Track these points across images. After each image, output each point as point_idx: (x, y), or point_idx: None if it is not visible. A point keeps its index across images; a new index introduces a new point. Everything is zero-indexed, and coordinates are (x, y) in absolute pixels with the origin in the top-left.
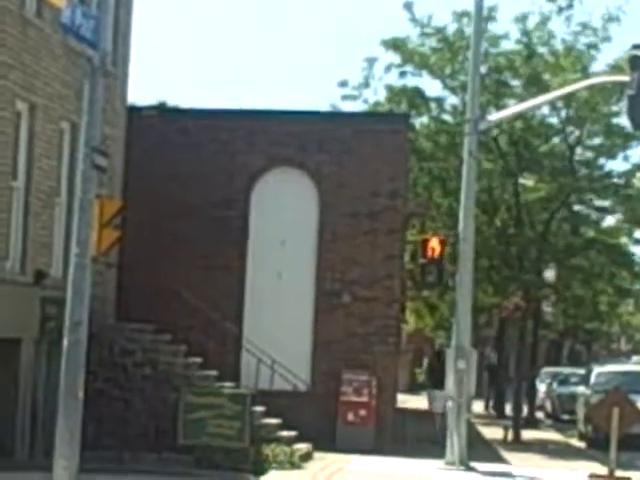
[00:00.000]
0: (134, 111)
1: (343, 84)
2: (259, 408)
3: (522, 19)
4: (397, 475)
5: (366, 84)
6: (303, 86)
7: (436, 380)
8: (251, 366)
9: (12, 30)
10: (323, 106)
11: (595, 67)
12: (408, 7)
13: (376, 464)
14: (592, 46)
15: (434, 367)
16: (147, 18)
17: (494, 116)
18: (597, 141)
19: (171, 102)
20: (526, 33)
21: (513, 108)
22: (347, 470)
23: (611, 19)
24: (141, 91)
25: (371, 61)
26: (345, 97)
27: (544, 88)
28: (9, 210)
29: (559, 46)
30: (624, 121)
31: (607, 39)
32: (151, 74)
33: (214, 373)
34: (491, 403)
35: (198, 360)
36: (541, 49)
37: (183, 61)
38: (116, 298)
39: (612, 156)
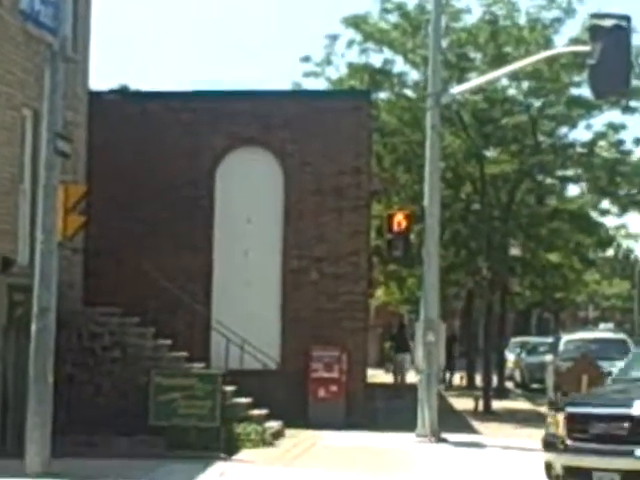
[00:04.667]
0: (96, 96)
1: (306, 59)
2: (230, 388)
3: None
4: (369, 449)
5: (328, 61)
6: (267, 63)
7: (397, 347)
8: (221, 346)
9: None
10: (286, 84)
11: (558, 41)
12: None
13: (348, 439)
14: (556, 20)
15: (396, 334)
16: (107, 2)
17: (456, 89)
18: (558, 110)
19: (133, 86)
20: (489, 7)
21: (475, 81)
22: (319, 446)
23: None
24: (103, 76)
25: (333, 38)
26: (307, 74)
27: (507, 61)
28: None
29: (523, 19)
30: (585, 91)
31: (571, 12)
32: (113, 58)
33: (184, 354)
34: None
35: (167, 342)
36: (504, 22)
37: (144, 44)
38: (83, 282)
39: (574, 125)
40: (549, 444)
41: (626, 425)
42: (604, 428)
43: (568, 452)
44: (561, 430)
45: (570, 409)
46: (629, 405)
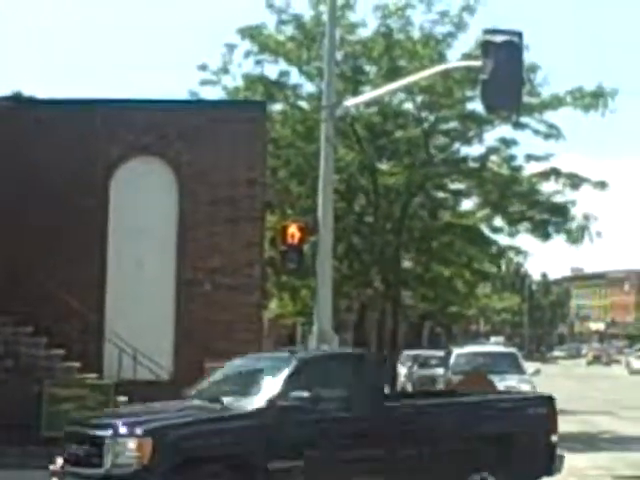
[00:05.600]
0: None
1: (203, 68)
2: (122, 398)
3: (382, 8)
4: None
5: (225, 70)
6: (164, 71)
7: None
8: (114, 356)
9: None
10: (183, 92)
11: (451, 56)
12: None
13: None
14: (449, 35)
15: (286, 345)
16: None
17: (350, 102)
18: (452, 125)
19: (27, 92)
20: (385, 19)
21: (369, 94)
22: None
23: (468, 9)
24: None
25: (230, 47)
26: (204, 82)
27: (401, 75)
28: None
29: (417, 33)
30: (478, 106)
31: (463, 27)
32: (6, 65)
33: (77, 365)
34: None
35: (61, 352)
36: (398, 35)
37: (40, 51)
38: None
39: (467, 141)
40: None
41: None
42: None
43: None
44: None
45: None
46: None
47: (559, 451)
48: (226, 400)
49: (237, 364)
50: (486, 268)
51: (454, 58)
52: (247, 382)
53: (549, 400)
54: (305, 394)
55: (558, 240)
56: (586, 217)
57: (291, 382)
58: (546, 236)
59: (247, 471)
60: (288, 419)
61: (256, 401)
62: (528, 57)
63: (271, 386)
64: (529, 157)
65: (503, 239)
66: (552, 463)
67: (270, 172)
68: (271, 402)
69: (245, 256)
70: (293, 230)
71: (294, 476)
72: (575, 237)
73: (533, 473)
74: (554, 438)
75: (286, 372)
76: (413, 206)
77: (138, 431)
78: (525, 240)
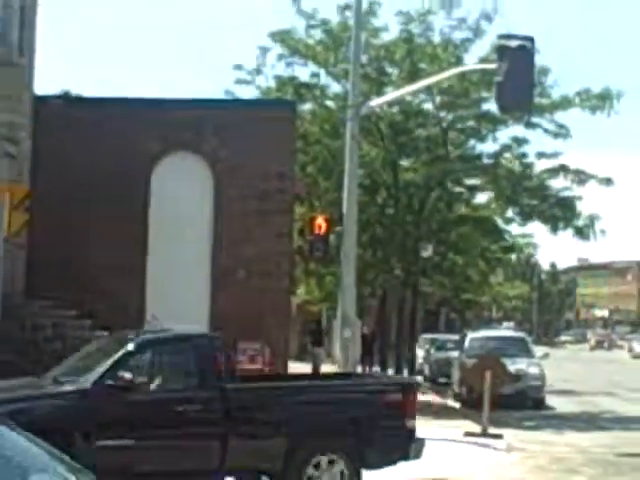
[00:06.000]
0: (40, 100)
1: (238, 67)
2: None
3: (404, 14)
4: None
5: (258, 71)
6: (202, 70)
7: (314, 342)
8: None
9: None
10: (219, 91)
11: (468, 59)
12: (295, 0)
13: None
14: (467, 40)
15: (313, 330)
16: (53, 12)
17: (374, 102)
18: (468, 124)
19: (75, 91)
20: (407, 25)
21: (392, 94)
22: None
23: (486, 17)
24: (47, 81)
25: (263, 50)
26: (239, 81)
27: (421, 77)
28: None
29: (436, 38)
30: (493, 106)
31: (480, 33)
32: (57, 64)
33: None
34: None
35: (104, 334)
36: (419, 40)
37: (88, 52)
38: (26, 276)
39: (482, 139)
40: None
41: None
42: None
43: None
44: None
45: None
46: None
47: (418, 435)
48: (65, 379)
49: (93, 344)
50: (498, 257)
51: (471, 61)
52: (88, 362)
53: (407, 386)
54: (129, 375)
55: (567, 233)
56: (592, 217)
57: (122, 363)
58: (555, 230)
59: (71, 448)
60: (116, 399)
61: (84, 380)
62: (539, 60)
63: (102, 366)
64: (539, 154)
65: (516, 228)
66: (409, 448)
67: (299, 167)
68: (97, 382)
69: (275, 245)
70: (320, 221)
71: (123, 455)
72: (582, 232)
73: (389, 457)
74: (411, 423)
75: (120, 353)
76: (431, 200)
77: None
78: (536, 230)
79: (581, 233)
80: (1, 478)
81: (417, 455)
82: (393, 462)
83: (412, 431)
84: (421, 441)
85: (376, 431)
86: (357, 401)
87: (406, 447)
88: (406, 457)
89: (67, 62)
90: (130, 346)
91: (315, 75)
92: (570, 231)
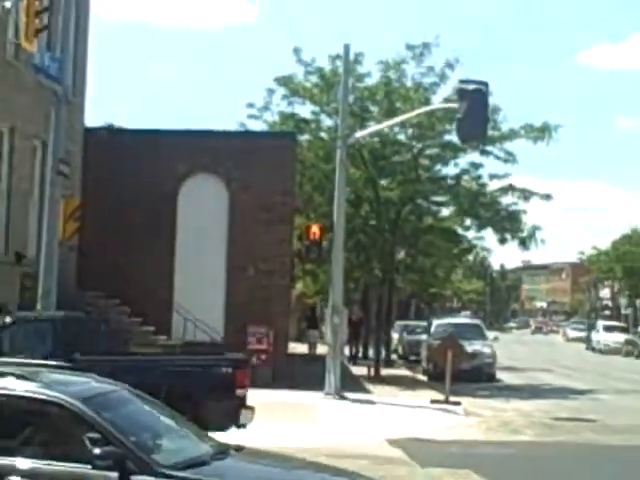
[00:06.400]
0: (89, 130)
1: (250, 105)
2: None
3: (384, 63)
4: (289, 403)
5: (266, 108)
6: (220, 106)
7: (309, 325)
8: (179, 323)
9: None
10: (234, 124)
11: (435, 99)
12: (296, 52)
13: (273, 395)
14: (434, 84)
15: (309, 317)
16: (100, 59)
17: (358, 134)
18: (434, 151)
19: (118, 123)
20: (385, 72)
21: (373, 128)
22: (251, 400)
23: (449, 65)
24: (94, 114)
25: (270, 91)
26: (250, 116)
27: (397, 114)
28: None
29: (409, 82)
30: (454, 138)
31: (444, 79)
32: (102, 101)
33: (151, 329)
34: (355, 352)
35: (139, 319)
36: (395, 84)
37: (128, 90)
38: (77, 272)
39: (445, 163)
40: None
41: None
42: None
43: None
44: None
45: None
46: None
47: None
48: None
49: None
50: (458, 259)
51: (437, 101)
52: None
53: (237, 361)
54: None
55: (513, 243)
56: (534, 227)
57: None
58: (503, 242)
59: None
60: None
61: None
62: (492, 100)
63: None
64: (492, 176)
65: (471, 234)
66: (239, 414)
67: (298, 185)
68: None
69: (278, 249)
70: (314, 229)
71: None
72: (525, 244)
73: (220, 424)
74: (241, 392)
75: None
76: (404, 213)
77: None
78: (488, 237)
79: (524, 244)
80: (137, 438)
81: (247, 420)
82: (225, 427)
83: (242, 399)
84: (252, 409)
85: (210, 400)
86: (192, 373)
87: (236, 414)
88: (237, 422)
89: (111, 99)
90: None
91: (314, 113)
92: (515, 242)
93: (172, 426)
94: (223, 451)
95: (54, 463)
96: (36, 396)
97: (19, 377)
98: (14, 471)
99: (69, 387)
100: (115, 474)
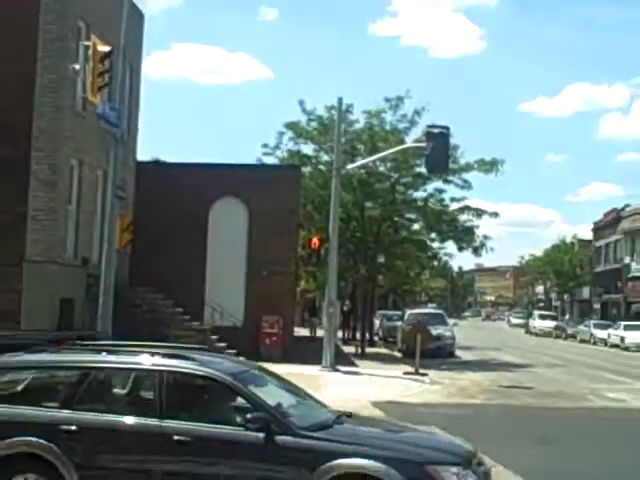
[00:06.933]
0: (140, 163)
1: (265, 145)
2: (214, 337)
3: (368, 112)
4: (294, 373)
5: (277, 147)
6: (243, 147)
7: (311, 314)
8: (209, 312)
9: (68, 118)
10: (253, 159)
11: (408, 140)
12: (301, 103)
13: (282, 368)
14: (406, 128)
15: (310, 307)
16: (149, 109)
17: (349, 166)
18: (408, 180)
19: (162, 158)
20: (369, 119)
21: (360, 162)
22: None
23: (418, 113)
24: (145, 151)
25: (280, 134)
26: (265, 154)
27: (378, 151)
28: (67, 223)
29: (388, 127)
30: (423, 169)
31: (415, 124)
32: (151, 140)
33: (188, 317)
34: (346, 335)
35: (180, 310)
36: (377, 128)
37: (171, 130)
38: (130, 273)
39: (416, 189)
40: None
41: None
42: None
43: None
44: None
45: None
46: None
47: None
48: None
49: None
50: (426, 263)
51: (409, 141)
52: None
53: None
54: None
55: (468, 251)
56: (485, 237)
57: None
58: (460, 250)
59: None
60: None
61: None
62: (453, 140)
63: None
64: (452, 199)
65: (436, 244)
66: None
67: (302, 206)
68: None
69: (286, 255)
70: (315, 240)
71: None
72: (477, 251)
73: None
74: None
75: None
76: (384, 227)
77: None
78: (450, 246)
79: (476, 251)
80: (277, 406)
81: None
82: None
83: None
84: None
85: None
86: None
87: None
88: None
89: (157, 139)
90: None
91: (315, 150)
92: (470, 249)
93: (298, 397)
94: (339, 417)
95: (212, 426)
96: (197, 372)
97: (180, 358)
98: (181, 432)
99: (218, 365)
100: (262, 434)
